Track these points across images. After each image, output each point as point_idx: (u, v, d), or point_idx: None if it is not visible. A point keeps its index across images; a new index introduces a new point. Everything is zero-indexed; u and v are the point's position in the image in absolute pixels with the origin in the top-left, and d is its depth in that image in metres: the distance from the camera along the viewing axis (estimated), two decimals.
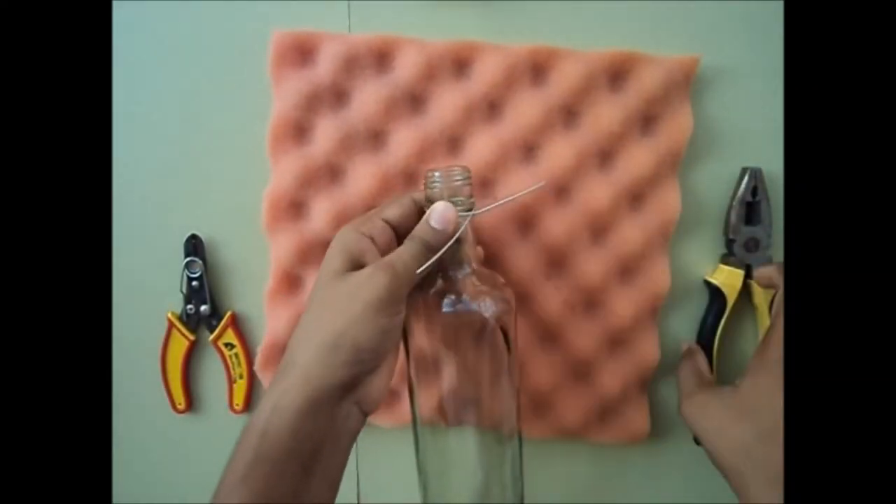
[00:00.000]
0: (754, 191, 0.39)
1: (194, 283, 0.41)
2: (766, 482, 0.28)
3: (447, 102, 0.38)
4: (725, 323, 0.40)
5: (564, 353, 0.40)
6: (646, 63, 0.38)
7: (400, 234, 0.33)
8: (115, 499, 0.38)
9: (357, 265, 0.31)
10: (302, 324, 0.31)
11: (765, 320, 0.40)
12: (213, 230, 0.42)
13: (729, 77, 0.39)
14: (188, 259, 0.41)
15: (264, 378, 0.42)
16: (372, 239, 0.32)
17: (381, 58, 0.38)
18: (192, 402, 0.44)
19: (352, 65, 0.38)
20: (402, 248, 0.32)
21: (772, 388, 0.30)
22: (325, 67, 0.38)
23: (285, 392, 0.28)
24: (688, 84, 0.38)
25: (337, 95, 0.39)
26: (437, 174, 0.33)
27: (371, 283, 0.29)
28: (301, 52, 0.38)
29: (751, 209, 0.39)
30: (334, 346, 0.29)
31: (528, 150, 0.39)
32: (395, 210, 0.33)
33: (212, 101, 0.41)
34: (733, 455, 0.30)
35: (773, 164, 0.40)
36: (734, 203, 0.39)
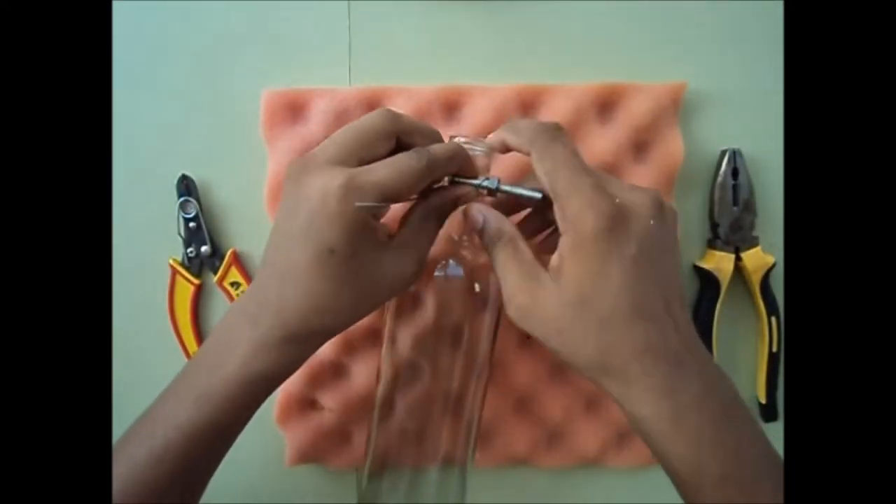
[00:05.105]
0: (734, 173, 0.40)
1: (191, 224, 0.40)
2: (621, 368, 0.27)
3: None
4: (720, 308, 0.40)
5: (576, 385, 0.41)
6: (633, 92, 0.38)
7: None
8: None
9: None
10: None
11: (759, 301, 0.40)
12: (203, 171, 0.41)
13: (717, 100, 0.40)
14: (182, 199, 0.40)
15: None
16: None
17: (371, 108, 0.39)
18: None
19: (343, 117, 0.38)
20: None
21: (597, 268, 0.27)
22: (316, 122, 0.38)
23: None
24: (676, 109, 0.39)
25: None
26: (460, 139, 0.32)
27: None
28: (292, 110, 0.39)
29: (734, 191, 0.40)
30: None
31: None
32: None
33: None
34: (579, 349, 0.28)
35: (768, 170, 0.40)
36: (716, 186, 0.40)
